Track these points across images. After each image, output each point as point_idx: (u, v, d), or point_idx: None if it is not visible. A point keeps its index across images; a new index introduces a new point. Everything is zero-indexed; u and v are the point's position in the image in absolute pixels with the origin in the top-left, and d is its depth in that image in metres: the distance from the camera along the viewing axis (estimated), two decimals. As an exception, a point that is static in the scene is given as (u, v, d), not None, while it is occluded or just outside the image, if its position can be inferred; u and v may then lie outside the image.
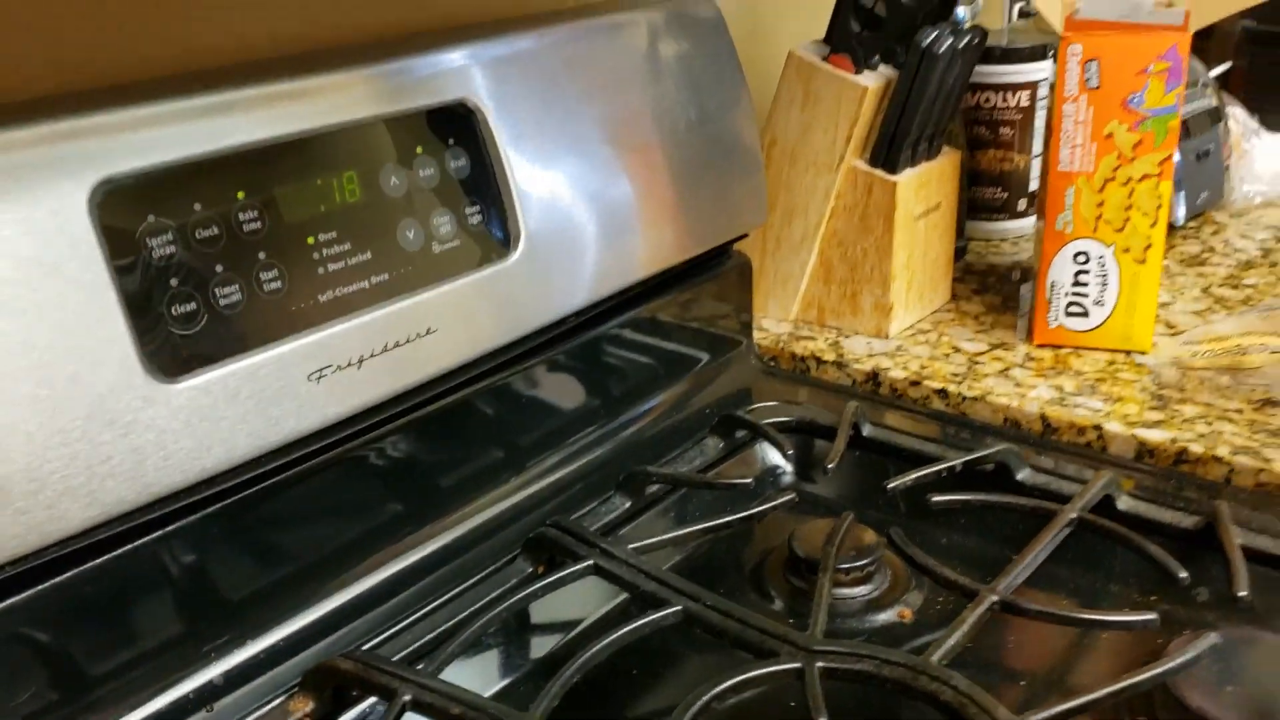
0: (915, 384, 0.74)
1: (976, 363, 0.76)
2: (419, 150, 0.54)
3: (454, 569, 0.57)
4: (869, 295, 0.80)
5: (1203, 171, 1.00)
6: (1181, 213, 0.99)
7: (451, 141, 0.55)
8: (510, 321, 0.58)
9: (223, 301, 0.46)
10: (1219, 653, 0.46)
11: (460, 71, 0.56)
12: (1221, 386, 0.70)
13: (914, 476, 0.60)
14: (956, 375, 0.74)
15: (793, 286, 0.83)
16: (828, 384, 0.78)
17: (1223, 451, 0.63)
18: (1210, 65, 1.11)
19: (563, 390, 0.65)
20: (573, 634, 0.56)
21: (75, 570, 0.44)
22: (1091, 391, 0.71)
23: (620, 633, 0.48)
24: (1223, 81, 1.14)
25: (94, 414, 0.42)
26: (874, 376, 0.76)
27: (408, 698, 0.45)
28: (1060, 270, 0.76)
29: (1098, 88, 0.71)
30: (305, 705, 0.48)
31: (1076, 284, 0.76)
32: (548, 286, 0.60)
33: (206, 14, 0.55)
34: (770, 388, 0.76)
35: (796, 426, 0.70)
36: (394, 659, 0.49)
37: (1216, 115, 1.03)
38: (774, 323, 0.84)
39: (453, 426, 0.58)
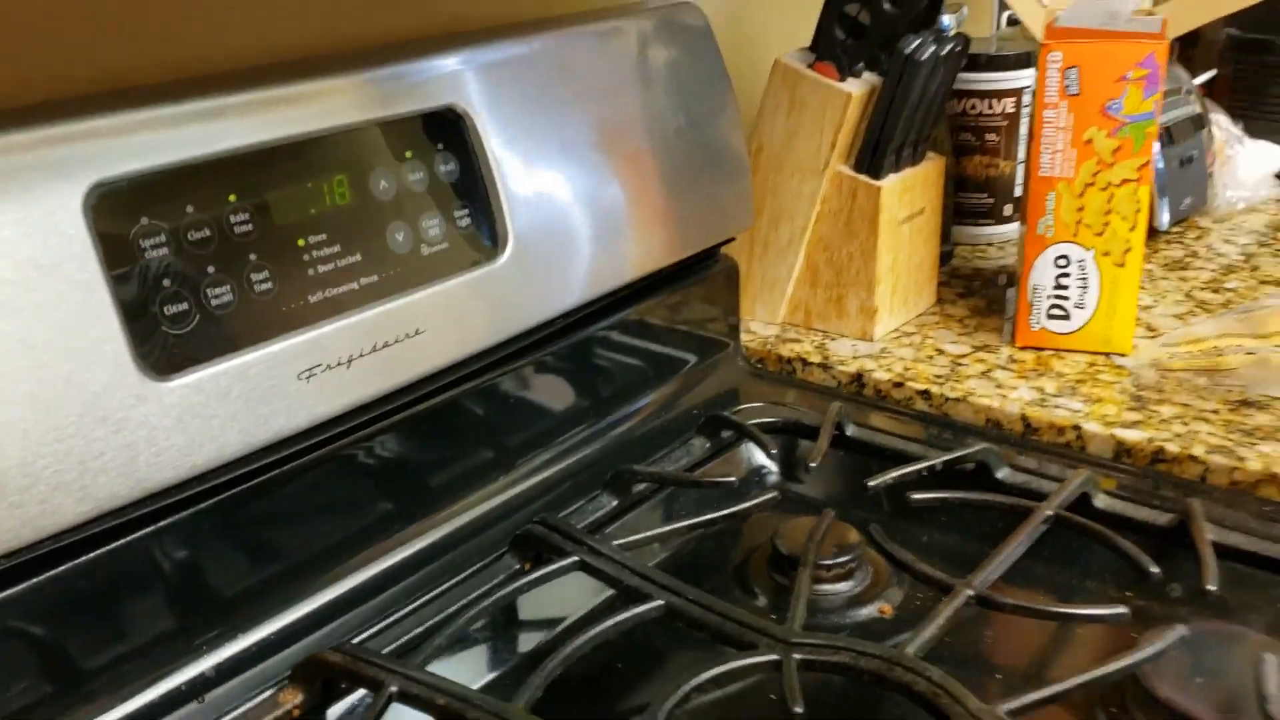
0: (899, 385, 0.75)
1: (959, 365, 0.77)
2: (409, 154, 0.55)
3: (442, 565, 0.58)
4: (854, 298, 0.82)
5: (1186, 177, 1.02)
6: (1165, 218, 1.00)
7: (441, 146, 0.56)
8: (499, 323, 0.59)
9: (214, 302, 0.47)
10: (1188, 645, 0.47)
11: (449, 77, 0.57)
12: (1198, 387, 0.71)
13: (894, 475, 0.61)
14: (940, 377, 0.76)
15: (779, 290, 0.84)
16: (814, 385, 0.79)
17: (1198, 451, 0.64)
18: (1195, 72, 1.12)
19: (551, 390, 0.66)
20: (558, 629, 0.57)
21: (69, 564, 0.45)
22: (1072, 393, 0.72)
23: (604, 626, 0.49)
24: (1208, 88, 1.15)
25: (88, 411, 0.43)
26: (859, 378, 0.77)
27: (394, 689, 0.45)
28: (1042, 274, 0.77)
29: (1078, 94, 0.72)
30: (295, 697, 0.49)
31: (1058, 287, 0.77)
32: (536, 289, 0.61)
33: (201, 20, 0.56)
34: (757, 389, 0.77)
35: (782, 427, 0.71)
36: (382, 652, 0.50)
37: (1200, 122, 1.04)
38: (761, 325, 0.85)
39: (442, 426, 0.59)
